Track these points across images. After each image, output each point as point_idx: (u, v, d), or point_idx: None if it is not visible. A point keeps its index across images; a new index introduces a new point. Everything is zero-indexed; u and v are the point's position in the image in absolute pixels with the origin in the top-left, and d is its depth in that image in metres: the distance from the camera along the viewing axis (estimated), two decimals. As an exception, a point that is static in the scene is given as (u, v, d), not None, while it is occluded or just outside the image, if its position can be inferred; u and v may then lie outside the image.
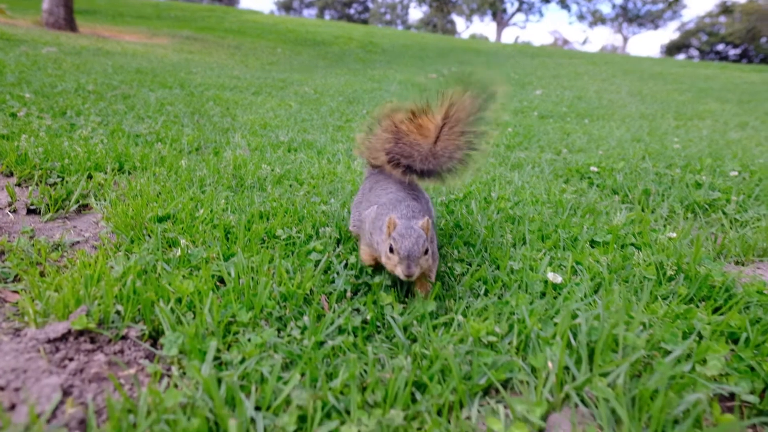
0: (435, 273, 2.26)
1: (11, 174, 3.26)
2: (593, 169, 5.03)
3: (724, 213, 4.13)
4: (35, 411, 1.38)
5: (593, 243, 3.09)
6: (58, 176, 3.23)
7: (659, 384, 1.75)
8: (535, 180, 4.49)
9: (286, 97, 9.56)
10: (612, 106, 11.97)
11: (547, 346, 1.94)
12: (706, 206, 4.27)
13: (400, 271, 1.92)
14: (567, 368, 1.87)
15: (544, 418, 1.68)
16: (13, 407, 1.42)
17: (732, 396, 1.90)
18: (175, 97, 7.50)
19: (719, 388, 1.86)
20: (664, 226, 3.69)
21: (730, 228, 3.79)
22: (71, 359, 1.65)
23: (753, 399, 1.84)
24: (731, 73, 23.81)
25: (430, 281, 2.22)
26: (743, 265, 3.24)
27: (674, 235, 3.25)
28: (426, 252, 1.98)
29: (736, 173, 5.37)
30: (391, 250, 1.97)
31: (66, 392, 1.49)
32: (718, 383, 1.89)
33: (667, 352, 2.00)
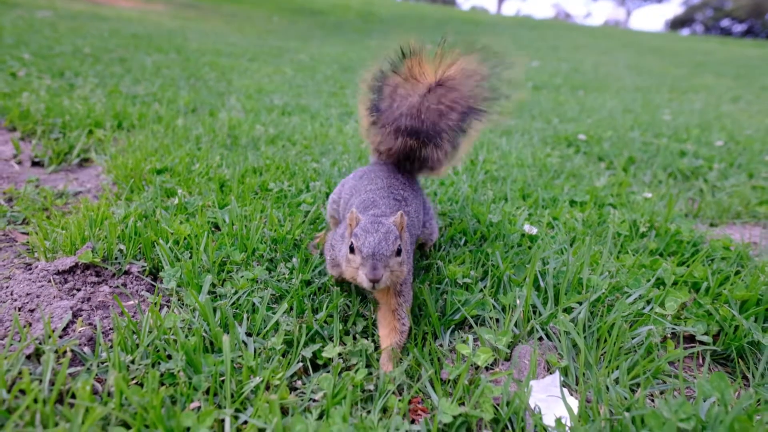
0: (409, 295, 1.80)
1: (14, 129, 3.37)
2: (581, 137, 5.14)
3: (705, 180, 4.27)
4: (51, 327, 1.54)
5: (572, 203, 3.24)
6: (60, 132, 3.35)
7: (616, 319, 1.92)
8: (522, 146, 4.61)
9: (282, 64, 9.56)
10: (608, 78, 11.98)
11: (517, 287, 2.11)
12: (689, 173, 4.41)
13: (362, 276, 1.49)
14: (534, 306, 2.04)
15: (510, 347, 1.85)
16: (28, 326, 1.58)
17: (693, 339, 2.06)
18: (171, 62, 7.52)
19: (676, 327, 2.03)
20: (646, 190, 3.84)
21: (709, 193, 3.94)
22: (79, 289, 1.81)
23: (707, 339, 2.01)
24: (731, 48, 23.64)
25: (400, 303, 1.74)
26: (716, 226, 3.41)
27: (650, 195, 3.40)
28: (398, 253, 1.56)
29: (721, 143, 5.50)
30: (352, 249, 1.56)
31: (75, 315, 1.65)
32: (677, 325, 2.06)
33: (630, 296, 2.17)
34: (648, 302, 2.16)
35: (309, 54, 11.93)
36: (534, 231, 2.56)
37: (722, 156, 4.94)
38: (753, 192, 3.99)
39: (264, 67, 8.89)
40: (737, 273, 2.45)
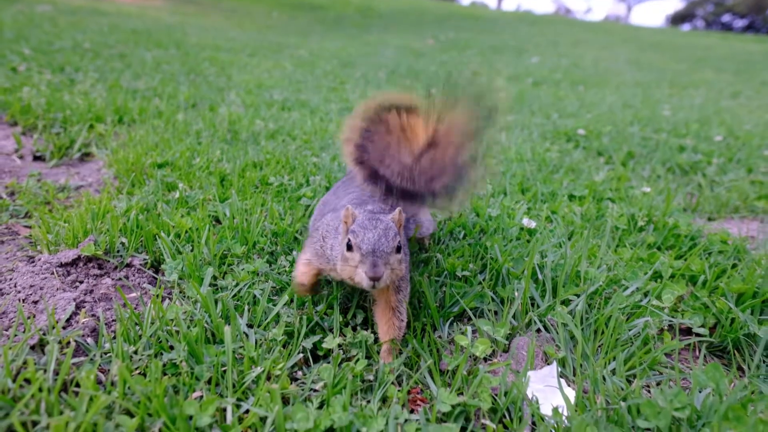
0: (407, 290, 1.76)
1: (15, 124, 3.39)
2: (581, 132, 5.16)
3: (703, 175, 4.29)
4: (54, 318, 1.55)
5: (571, 197, 3.26)
6: (61, 126, 3.36)
7: (613, 312, 1.94)
8: (522, 141, 4.62)
9: (281, 60, 9.56)
10: (608, 73, 11.98)
11: (516, 279, 2.13)
12: (688, 168, 4.42)
13: (362, 275, 1.43)
14: (532, 299, 2.06)
15: (509, 339, 1.87)
16: (32, 317, 1.60)
17: (689, 331, 2.08)
18: (171, 57, 7.52)
19: (673, 320, 2.05)
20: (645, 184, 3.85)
21: (707, 187, 3.96)
22: (81, 282, 1.83)
23: (703, 332, 2.02)
24: (731, 43, 23.59)
25: (399, 300, 1.71)
26: (714, 220, 3.43)
27: (648, 189, 3.41)
28: (398, 250, 1.51)
29: (720, 138, 5.51)
30: (350, 247, 1.49)
31: (78, 306, 1.67)
32: (674, 318, 2.08)
33: (627, 289, 2.19)
34: (645, 295, 2.18)
35: (308, 49, 11.92)
36: (533, 225, 2.57)
37: (721, 151, 4.95)
38: (751, 187, 4.00)
39: (264, 62, 8.89)
40: (734, 266, 2.47)
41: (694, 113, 7.27)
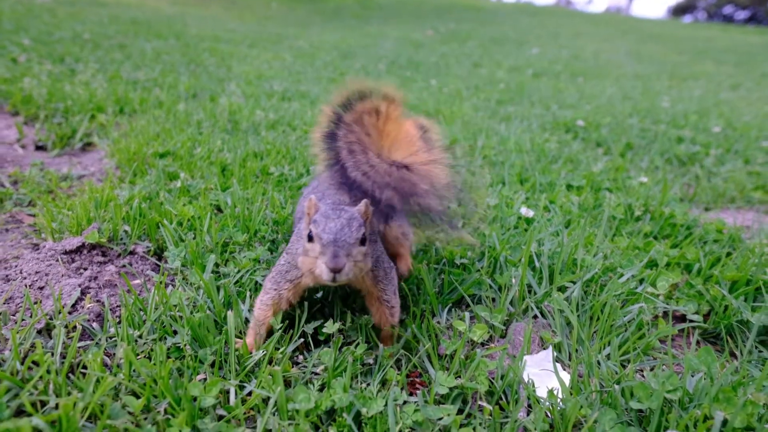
0: (389, 276, 1.67)
1: (17, 113, 3.41)
2: (580, 123, 5.17)
3: (701, 166, 4.31)
4: (59, 303, 1.59)
5: (569, 187, 3.28)
6: (62, 116, 3.38)
7: (608, 298, 1.97)
8: (521, 132, 4.64)
9: (281, 51, 9.54)
10: (608, 65, 11.96)
11: (513, 267, 2.16)
12: (686, 159, 4.45)
13: (322, 266, 1.34)
14: (529, 286, 2.09)
15: (506, 324, 1.90)
16: (39, 302, 1.63)
17: (684, 319, 2.11)
18: (171, 48, 7.52)
19: (667, 306, 2.08)
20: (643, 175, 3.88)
21: (705, 178, 3.98)
22: (86, 268, 1.86)
23: (697, 318, 2.06)
24: (732, 35, 23.51)
25: (382, 289, 1.63)
26: (710, 210, 3.46)
27: (646, 180, 3.44)
28: (362, 242, 1.42)
29: (719, 129, 5.53)
30: (311, 238, 1.41)
31: (83, 292, 1.70)
32: (669, 305, 2.11)
33: (623, 276, 2.22)
34: (640, 282, 2.21)
35: (308, 40, 11.89)
36: (531, 214, 2.60)
37: (719, 142, 4.97)
38: (749, 177, 4.03)
39: (263, 53, 8.87)
40: (728, 255, 2.50)
41: (694, 105, 7.28)
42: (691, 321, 2.09)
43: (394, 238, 1.96)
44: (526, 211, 2.60)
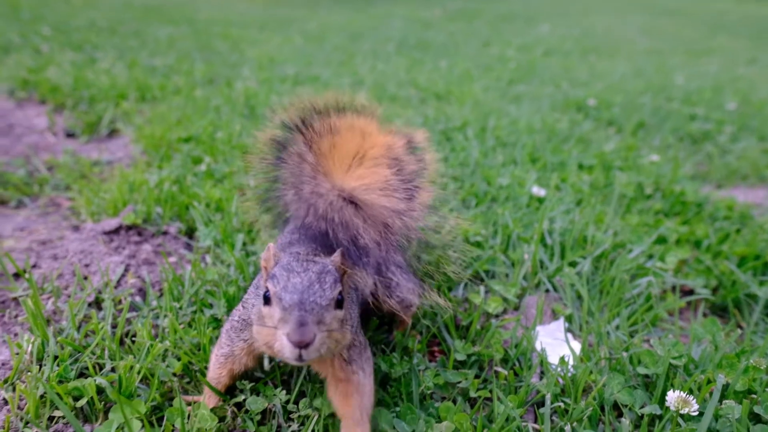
0: (369, 400, 1.26)
1: (44, 102, 3.54)
2: (591, 102, 5.19)
3: (714, 144, 4.33)
4: (105, 279, 1.72)
5: (580, 166, 3.35)
6: (88, 104, 3.51)
7: (618, 273, 2.06)
8: (532, 112, 4.68)
9: (291, 34, 9.56)
10: (620, 42, 11.80)
11: (526, 243, 2.25)
12: (699, 137, 4.47)
13: (283, 340, 0.99)
14: (541, 261, 2.18)
15: (519, 298, 2.00)
16: (85, 278, 1.76)
17: (692, 294, 2.19)
18: (184, 34, 7.59)
19: (677, 281, 2.16)
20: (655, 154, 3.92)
21: (718, 156, 4.01)
22: (124, 248, 1.98)
23: (706, 292, 2.14)
24: (747, 7, 22.93)
25: (358, 398, 1.23)
26: (722, 187, 3.50)
27: (657, 158, 3.49)
28: (339, 304, 1.08)
29: (734, 106, 5.51)
30: (267, 300, 1.06)
31: (125, 269, 1.83)
32: (678, 279, 2.18)
33: (632, 252, 2.31)
34: (649, 257, 2.29)
35: (317, 22, 11.86)
36: (542, 193, 2.68)
37: (734, 119, 4.97)
38: (763, 155, 4.05)
39: (274, 37, 8.90)
40: (738, 231, 2.57)
41: (708, 81, 7.22)
42: (698, 295, 2.17)
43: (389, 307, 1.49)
44: (537, 190, 2.68)
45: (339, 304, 1.07)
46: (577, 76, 6.85)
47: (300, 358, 0.99)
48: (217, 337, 1.53)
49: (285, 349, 0.99)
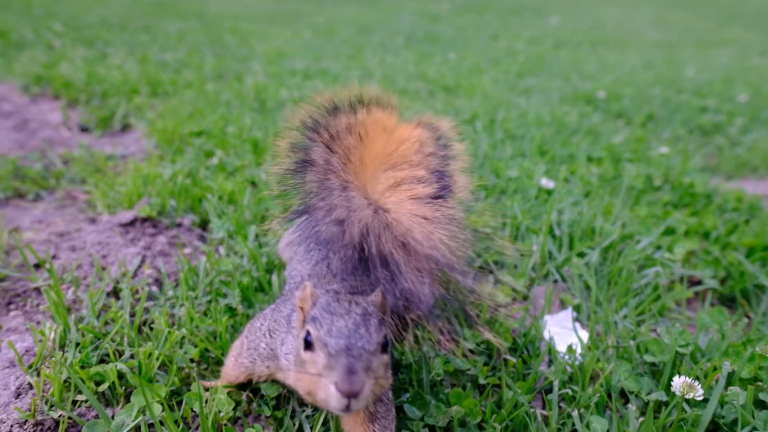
0: (389, 427, 1.17)
1: (57, 97, 3.60)
2: (600, 94, 5.17)
3: (725, 136, 4.31)
4: (122, 269, 1.77)
5: (589, 159, 3.35)
6: (100, 99, 3.56)
7: (626, 263, 2.08)
8: (542, 105, 4.68)
9: (299, 28, 9.58)
10: (631, 34, 11.69)
11: (534, 235, 2.27)
12: (709, 129, 4.44)
13: (329, 389, 0.92)
14: (550, 253, 2.20)
15: (528, 289, 2.03)
16: (103, 269, 1.81)
17: (700, 284, 2.20)
18: (193, 29, 7.64)
19: (685, 272, 2.17)
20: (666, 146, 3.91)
21: (728, 148, 3.99)
22: (139, 239, 2.03)
23: (714, 283, 2.15)
24: (764, -1, 22.58)
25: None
26: (731, 179, 3.49)
27: (667, 150, 3.49)
28: (384, 349, 1.01)
29: (745, 98, 5.47)
30: (309, 345, 0.99)
31: (142, 260, 1.88)
32: (686, 270, 2.20)
33: (640, 243, 2.32)
34: (657, 248, 2.31)
35: (325, 16, 11.86)
36: (551, 185, 2.70)
37: (745, 111, 4.94)
38: (773, 147, 4.02)
39: (283, 31, 8.93)
40: (747, 222, 2.57)
41: (720, 73, 7.15)
42: (706, 285, 2.19)
43: None
44: (546, 182, 2.70)
45: (384, 347, 1.01)
46: (587, 68, 6.81)
47: (348, 408, 0.91)
48: (232, 326, 1.58)
49: (331, 399, 0.91)
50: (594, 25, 12.50)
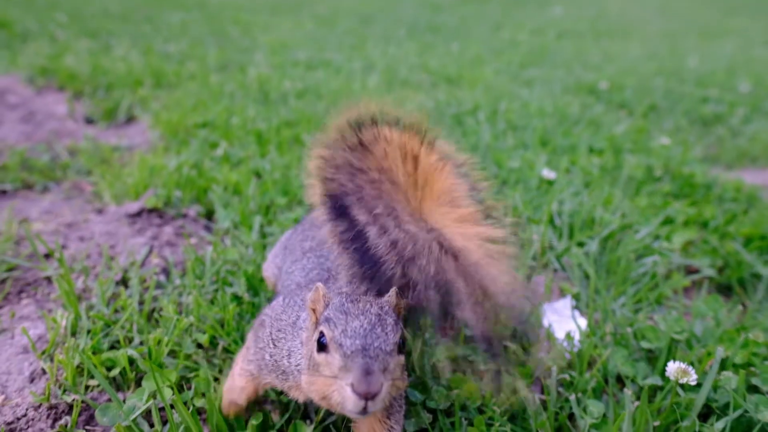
0: (399, 423, 1.15)
1: (62, 89, 3.63)
2: (603, 85, 5.17)
3: (726, 126, 4.31)
4: (130, 259, 1.81)
5: (591, 149, 3.37)
6: (105, 91, 3.59)
7: (625, 252, 2.11)
8: (544, 95, 4.68)
9: (302, 18, 9.55)
10: (634, 24, 11.63)
11: (535, 225, 2.31)
12: (711, 119, 4.45)
13: (346, 391, 0.89)
14: (550, 242, 2.24)
15: (528, 278, 2.06)
16: (112, 259, 1.85)
17: (697, 274, 2.23)
18: (195, 19, 7.64)
19: (682, 261, 2.20)
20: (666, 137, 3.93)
21: (729, 138, 4.00)
22: (146, 230, 2.07)
23: (711, 272, 2.18)
24: (770, -13, 22.36)
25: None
26: (731, 169, 3.51)
27: (667, 141, 3.50)
28: (400, 349, 0.99)
29: (747, 88, 5.46)
30: (323, 346, 0.96)
31: (149, 250, 1.92)
32: (684, 259, 2.23)
33: (639, 232, 2.35)
34: (656, 238, 2.34)
35: (327, 5, 11.81)
36: (552, 175, 2.72)
37: (747, 101, 4.93)
38: (774, 137, 4.03)
39: (285, 21, 8.91)
40: (745, 212, 2.60)
41: (722, 63, 7.13)
42: (704, 274, 2.22)
43: None
44: (547, 173, 2.72)
45: (400, 348, 0.98)
46: (590, 59, 6.80)
47: (365, 410, 0.88)
48: (239, 314, 1.62)
49: (348, 402, 0.88)
50: (597, 15, 12.42)
